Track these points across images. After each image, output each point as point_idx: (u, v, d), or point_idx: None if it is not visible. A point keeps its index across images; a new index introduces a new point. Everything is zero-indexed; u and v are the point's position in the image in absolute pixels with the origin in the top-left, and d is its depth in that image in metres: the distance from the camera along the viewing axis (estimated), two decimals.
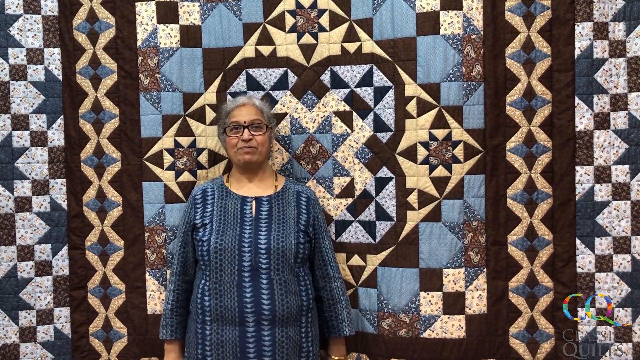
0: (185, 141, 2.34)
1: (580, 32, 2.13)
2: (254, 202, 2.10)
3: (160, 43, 2.30)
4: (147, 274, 2.34)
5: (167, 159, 2.33)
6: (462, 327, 2.23)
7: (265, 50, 2.31)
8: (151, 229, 2.33)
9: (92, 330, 2.37)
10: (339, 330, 2.16)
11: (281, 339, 1.97)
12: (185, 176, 2.34)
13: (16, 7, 2.26)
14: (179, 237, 2.16)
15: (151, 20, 2.29)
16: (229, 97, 2.33)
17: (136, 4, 2.29)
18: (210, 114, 2.35)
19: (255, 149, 2.08)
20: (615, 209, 2.16)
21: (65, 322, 2.36)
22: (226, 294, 1.98)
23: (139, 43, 2.30)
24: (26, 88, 2.29)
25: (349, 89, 2.29)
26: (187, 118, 2.34)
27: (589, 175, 2.16)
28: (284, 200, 2.12)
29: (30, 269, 2.32)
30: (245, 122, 2.08)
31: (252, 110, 2.12)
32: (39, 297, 2.33)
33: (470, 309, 2.23)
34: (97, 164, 2.35)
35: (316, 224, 2.15)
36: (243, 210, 2.07)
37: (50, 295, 2.34)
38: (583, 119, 2.15)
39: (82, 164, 2.35)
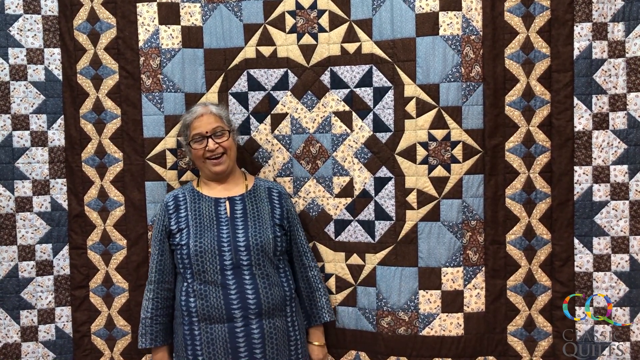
0: None
1: (579, 33, 2.01)
2: (227, 202, 2.02)
3: (162, 44, 2.18)
4: None
5: (170, 159, 2.22)
6: (460, 325, 2.12)
7: (266, 50, 2.19)
8: None
9: (94, 329, 2.25)
10: (319, 318, 2.12)
11: (269, 330, 1.93)
12: (188, 175, 2.24)
13: (16, 7, 2.15)
14: (154, 246, 2.05)
15: (153, 21, 2.17)
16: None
17: (137, 4, 2.17)
18: None
19: (225, 154, 2.01)
20: (613, 208, 2.04)
21: (67, 321, 2.24)
22: (211, 294, 1.92)
23: (140, 44, 2.18)
24: (26, 88, 2.17)
25: (348, 89, 2.16)
26: None
27: (587, 175, 2.04)
28: (256, 197, 2.06)
29: (32, 268, 2.20)
30: (207, 133, 1.99)
31: (211, 119, 2.02)
32: (40, 296, 2.21)
33: (468, 307, 2.13)
34: (98, 163, 2.23)
35: (290, 217, 2.10)
36: (218, 211, 2.00)
37: (52, 294, 2.22)
38: (582, 119, 2.03)
39: (83, 164, 2.23)
